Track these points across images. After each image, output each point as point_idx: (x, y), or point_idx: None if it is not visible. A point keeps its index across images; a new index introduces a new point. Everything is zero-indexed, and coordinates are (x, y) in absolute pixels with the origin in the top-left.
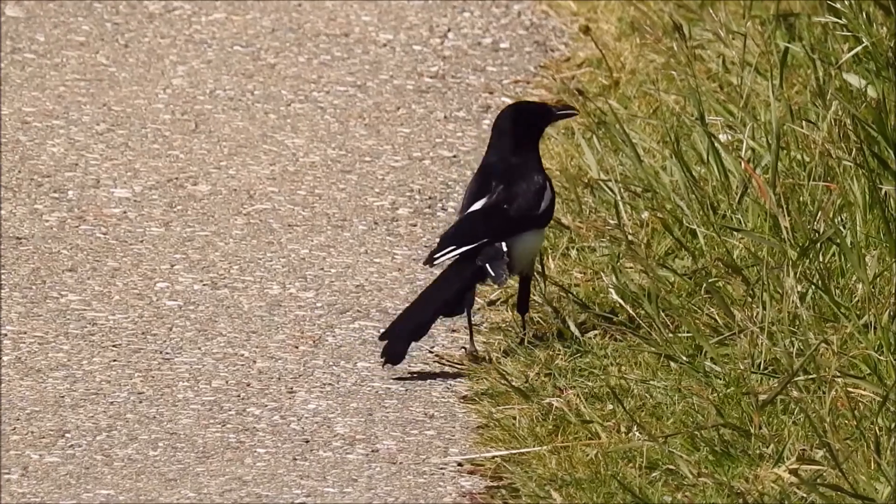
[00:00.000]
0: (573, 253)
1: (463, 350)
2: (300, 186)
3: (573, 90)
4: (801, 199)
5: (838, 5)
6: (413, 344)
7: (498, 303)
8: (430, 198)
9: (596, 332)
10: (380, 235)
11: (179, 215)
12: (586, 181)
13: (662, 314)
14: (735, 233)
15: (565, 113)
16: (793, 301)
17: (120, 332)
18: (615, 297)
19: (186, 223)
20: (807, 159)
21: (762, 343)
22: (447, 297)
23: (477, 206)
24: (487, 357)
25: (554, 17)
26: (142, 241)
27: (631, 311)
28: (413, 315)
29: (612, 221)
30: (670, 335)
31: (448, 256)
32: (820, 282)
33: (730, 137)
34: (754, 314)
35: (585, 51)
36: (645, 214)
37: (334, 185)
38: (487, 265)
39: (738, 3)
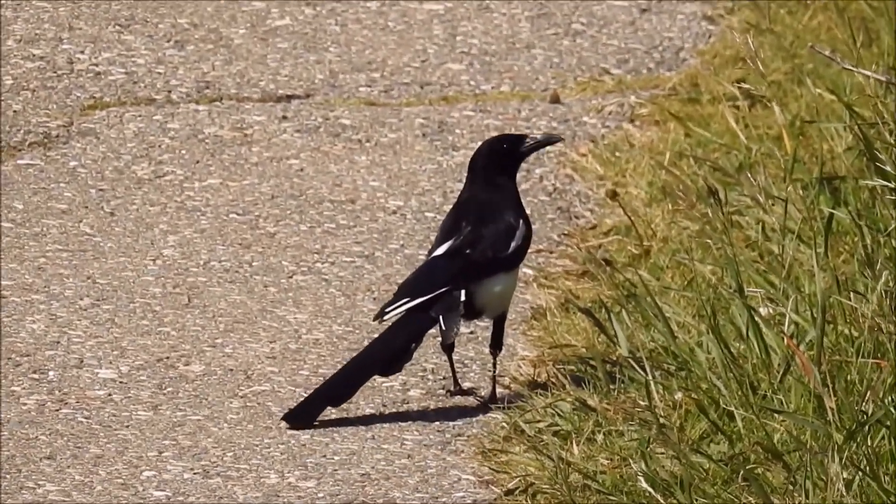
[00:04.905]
0: (599, 437)
1: (448, 393)
2: (302, 366)
3: (600, 260)
4: (848, 377)
5: (887, 168)
6: (329, 409)
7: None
8: (443, 378)
9: None
10: (388, 419)
11: (169, 398)
12: (614, 359)
13: (697, 503)
14: (776, 415)
15: (538, 143)
16: (838, 489)
17: None
18: (645, 485)
19: (177, 406)
20: (855, 334)
21: None
22: (384, 355)
23: (442, 249)
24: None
25: (579, 181)
26: (127, 426)
27: (662, 501)
28: (339, 378)
29: (642, 403)
30: None
31: (400, 311)
32: (868, 468)
33: (771, 311)
34: (796, 503)
35: (613, 217)
36: (678, 395)
37: (340, 365)
38: (441, 317)
39: (778, 167)
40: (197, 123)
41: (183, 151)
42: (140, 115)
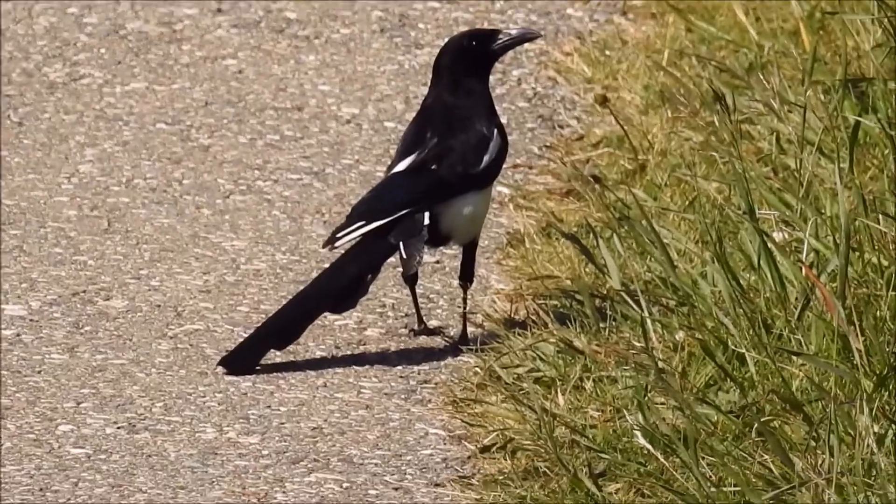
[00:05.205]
0: (588, 385)
1: (411, 332)
2: (241, 301)
3: (587, 177)
4: (877, 313)
5: None
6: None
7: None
8: (406, 315)
9: (618, 485)
10: (342, 363)
11: (88, 338)
12: (605, 292)
13: (703, 462)
14: (794, 358)
15: (514, 39)
16: (868, 444)
17: (12, 488)
18: (642, 441)
19: (96, 348)
20: (884, 263)
21: (829, 498)
22: (335, 287)
23: (403, 164)
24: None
25: (563, 85)
26: (39, 372)
27: (662, 459)
28: (283, 314)
29: (637, 344)
30: (713, 489)
31: (354, 236)
32: None
33: (787, 236)
34: (819, 462)
35: (603, 127)
36: (679, 335)
37: (285, 300)
38: (401, 244)
39: (795, 67)
40: (118, 17)
41: (102, 50)
42: (51, 9)
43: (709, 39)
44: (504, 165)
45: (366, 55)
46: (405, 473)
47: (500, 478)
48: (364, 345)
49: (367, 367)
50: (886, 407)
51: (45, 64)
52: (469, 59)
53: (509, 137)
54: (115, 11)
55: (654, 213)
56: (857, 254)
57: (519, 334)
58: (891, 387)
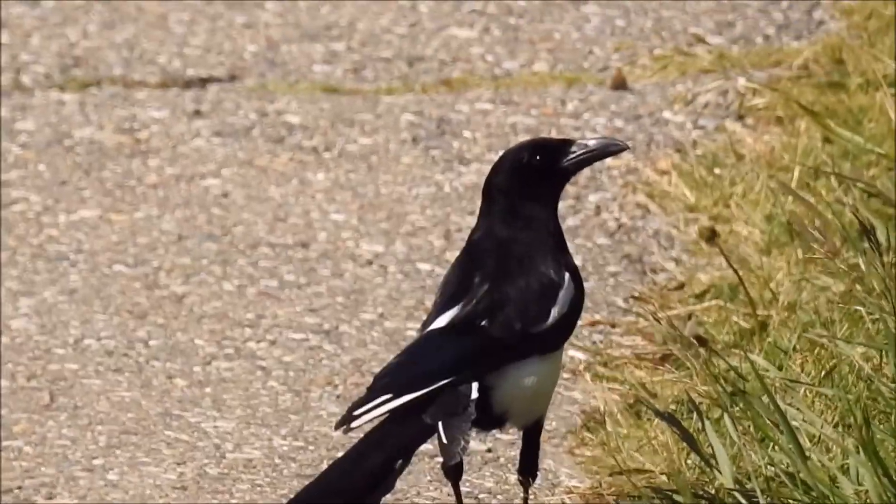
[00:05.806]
0: None
1: None
2: (228, 501)
3: (690, 338)
4: None
5: None
6: None
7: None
8: None
9: None
10: None
11: None
12: (713, 492)
13: None
14: None
15: (591, 153)
16: None
17: None
18: None
19: None
20: None
21: None
22: (353, 481)
23: (443, 320)
24: None
25: (657, 213)
26: None
27: None
28: None
29: None
30: None
31: (377, 414)
32: None
33: None
34: None
35: (710, 272)
36: None
37: (286, 498)
38: (440, 425)
39: None
40: (62, 122)
41: (41, 166)
42: None
43: (854, 153)
44: (578, 322)
45: (392, 173)
46: None
47: None
48: None
49: None
50: None
51: None
52: (531, 179)
53: (585, 284)
54: (57, 114)
55: (779, 387)
56: None
57: None
58: None
